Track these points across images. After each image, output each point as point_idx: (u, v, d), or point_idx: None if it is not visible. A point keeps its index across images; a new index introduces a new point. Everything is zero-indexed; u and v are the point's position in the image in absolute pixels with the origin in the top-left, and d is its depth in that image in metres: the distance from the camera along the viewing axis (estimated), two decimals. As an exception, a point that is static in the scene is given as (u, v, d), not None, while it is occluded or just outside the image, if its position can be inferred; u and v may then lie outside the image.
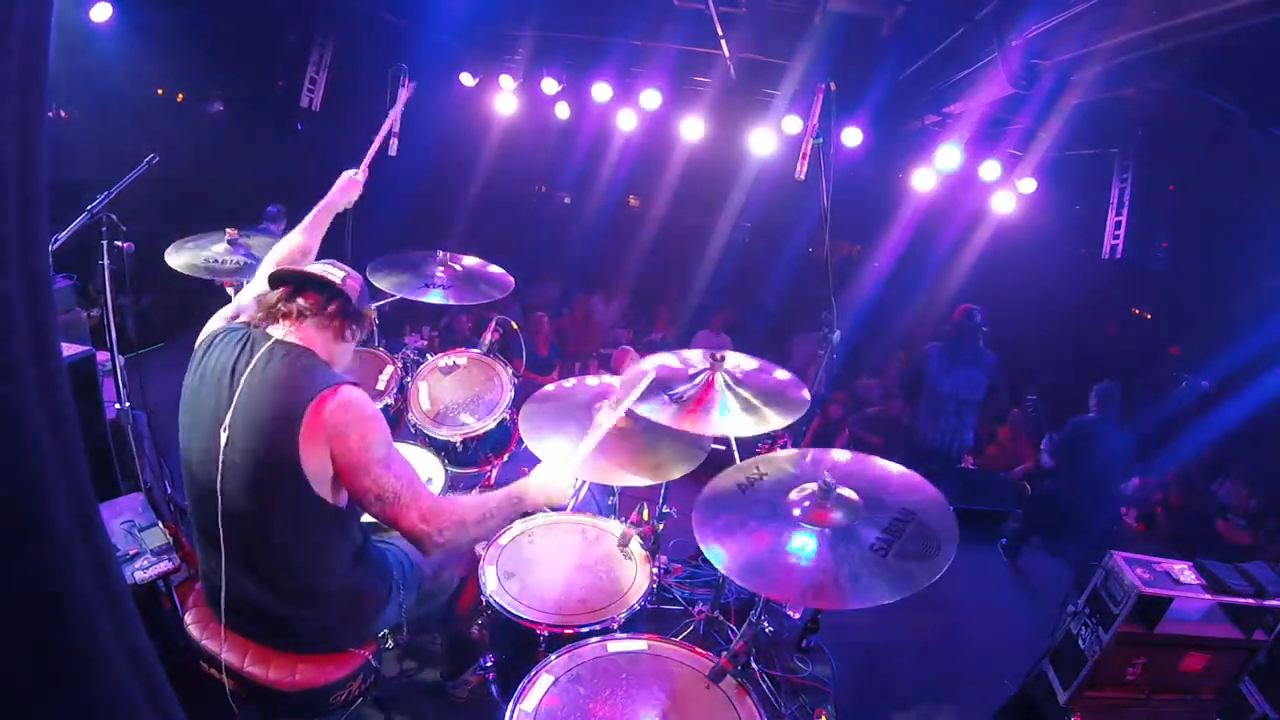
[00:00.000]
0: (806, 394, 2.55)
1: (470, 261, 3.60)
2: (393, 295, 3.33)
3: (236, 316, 1.95)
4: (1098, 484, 4.91)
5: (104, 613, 0.58)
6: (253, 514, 1.72)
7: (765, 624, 2.35)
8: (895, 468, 2.18)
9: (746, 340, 7.14)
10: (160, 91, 7.30)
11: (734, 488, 2.11)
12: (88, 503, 0.57)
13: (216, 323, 1.95)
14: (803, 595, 1.72)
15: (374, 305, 3.40)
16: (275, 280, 1.89)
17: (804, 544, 1.84)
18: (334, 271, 1.90)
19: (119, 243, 3.04)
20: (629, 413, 2.63)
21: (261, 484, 1.69)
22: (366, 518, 1.88)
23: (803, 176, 3.31)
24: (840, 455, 2.29)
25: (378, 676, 2.03)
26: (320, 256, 1.99)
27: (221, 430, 1.68)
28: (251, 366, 1.71)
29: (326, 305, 1.84)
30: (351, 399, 1.72)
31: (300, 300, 1.83)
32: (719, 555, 1.84)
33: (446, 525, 1.77)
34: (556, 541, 2.54)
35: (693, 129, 6.52)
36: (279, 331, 1.80)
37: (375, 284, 3.31)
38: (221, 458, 1.68)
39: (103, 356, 2.98)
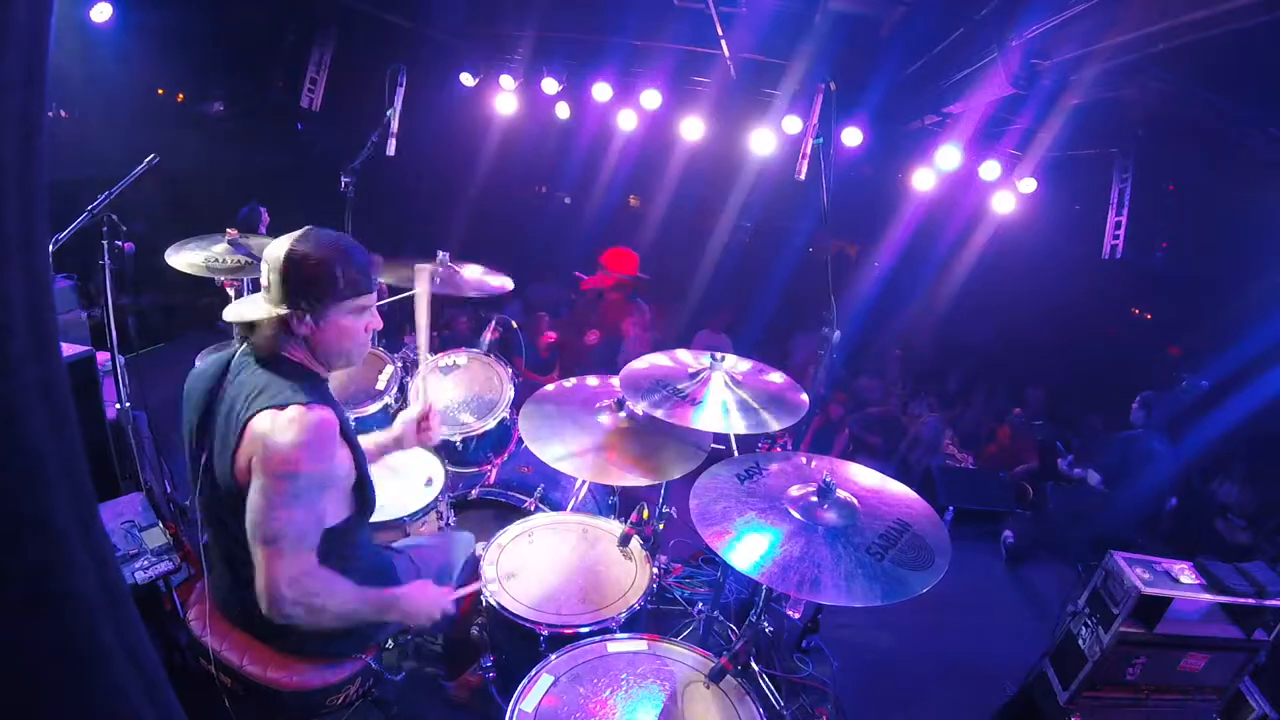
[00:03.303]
0: (805, 397, 2.55)
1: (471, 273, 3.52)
2: (390, 298, 3.31)
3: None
4: (1143, 504, 4.57)
5: (103, 612, 0.58)
6: (231, 541, 1.70)
7: (765, 624, 2.36)
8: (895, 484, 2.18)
9: (746, 340, 7.14)
10: (160, 91, 7.29)
11: (733, 478, 2.12)
12: (87, 503, 0.57)
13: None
14: (799, 587, 1.73)
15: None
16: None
17: (800, 537, 1.85)
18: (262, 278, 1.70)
19: (119, 243, 3.04)
20: (629, 413, 2.63)
21: (225, 510, 1.66)
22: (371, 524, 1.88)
23: (803, 176, 3.32)
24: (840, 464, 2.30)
25: (378, 678, 2.03)
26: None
27: (200, 465, 1.67)
28: (223, 392, 1.69)
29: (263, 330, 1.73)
30: (283, 423, 1.55)
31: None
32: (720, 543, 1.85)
33: (311, 600, 1.60)
34: (556, 541, 2.54)
35: (693, 129, 6.51)
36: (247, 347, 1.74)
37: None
38: (198, 490, 1.68)
39: (103, 356, 2.97)
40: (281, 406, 1.57)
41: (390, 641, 2.09)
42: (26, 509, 0.53)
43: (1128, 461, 4.62)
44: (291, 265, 1.63)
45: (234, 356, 1.75)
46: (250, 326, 1.72)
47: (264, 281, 1.68)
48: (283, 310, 1.65)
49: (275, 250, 1.66)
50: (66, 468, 0.54)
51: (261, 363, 1.69)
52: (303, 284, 1.64)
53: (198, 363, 1.87)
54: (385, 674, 2.03)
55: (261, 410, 1.57)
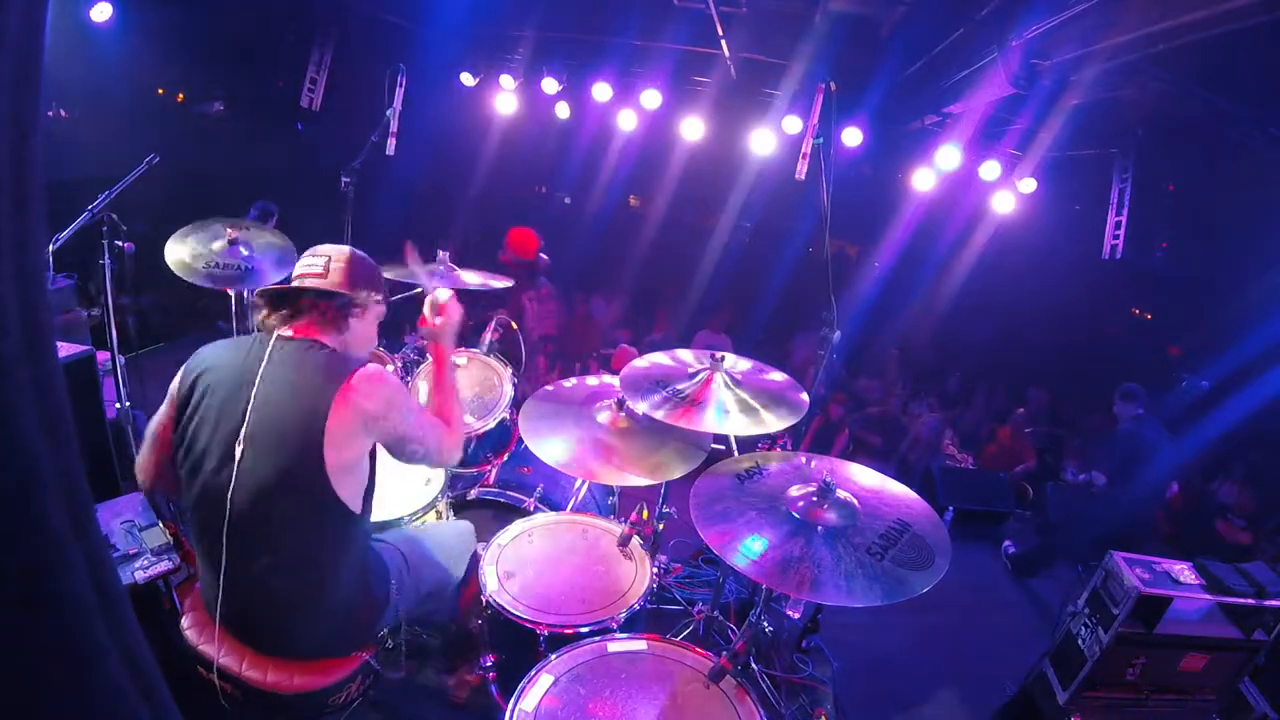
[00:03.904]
0: (805, 396, 2.55)
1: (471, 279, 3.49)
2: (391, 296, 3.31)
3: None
4: (1148, 497, 4.53)
5: (98, 613, 0.58)
6: (264, 525, 1.69)
7: (765, 624, 2.35)
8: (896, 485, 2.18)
9: (746, 340, 7.13)
10: (160, 91, 7.30)
11: (733, 478, 2.12)
12: (83, 503, 0.57)
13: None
14: (799, 587, 1.73)
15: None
16: (265, 298, 1.86)
17: (800, 537, 1.85)
18: (314, 265, 1.84)
19: (119, 243, 3.04)
20: (629, 412, 2.63)
21: (280, 494, 1.67)
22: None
23: (803, 176, 3.31)
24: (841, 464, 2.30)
25: (377, 677, 2.02)
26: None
27: (236, 445, 1.67)
28: (260, 376, 1.70)
29: (317, 308, 1.83)
30: (371, 380, 1.74)
31: (291, 309, 1.83)
32: (719, 541, 1.85)
33: (457, 438, 1.98)
34: (556, 541, 2.54)
35: (693, 129, 6.52)
36: (284, 331, 1.80)
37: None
38: (236, 472, 1.66)
39: (103, 356, 2.98)
40: (350, 373, 1.73)
41: (390, 641, 2.10)
42: (22, 509, 0.53)
43: (1134, 457, 4.48)
44: (357, 258, 1.88)
45: (257, 348, 1.75)
46: (297, 312, 1.82)
47: (318, 270, 1.82)
48: (349, 291, 1.84)
49: (334, 248, 1.87)
50: (62, 468, 0.54)
51: (302, 354, 1.75)
52: (364, 276, 1.88)
53: (207, 353, 1.85)
54: (385, 674, 2.02)
55: (336, 388, 1.68)
